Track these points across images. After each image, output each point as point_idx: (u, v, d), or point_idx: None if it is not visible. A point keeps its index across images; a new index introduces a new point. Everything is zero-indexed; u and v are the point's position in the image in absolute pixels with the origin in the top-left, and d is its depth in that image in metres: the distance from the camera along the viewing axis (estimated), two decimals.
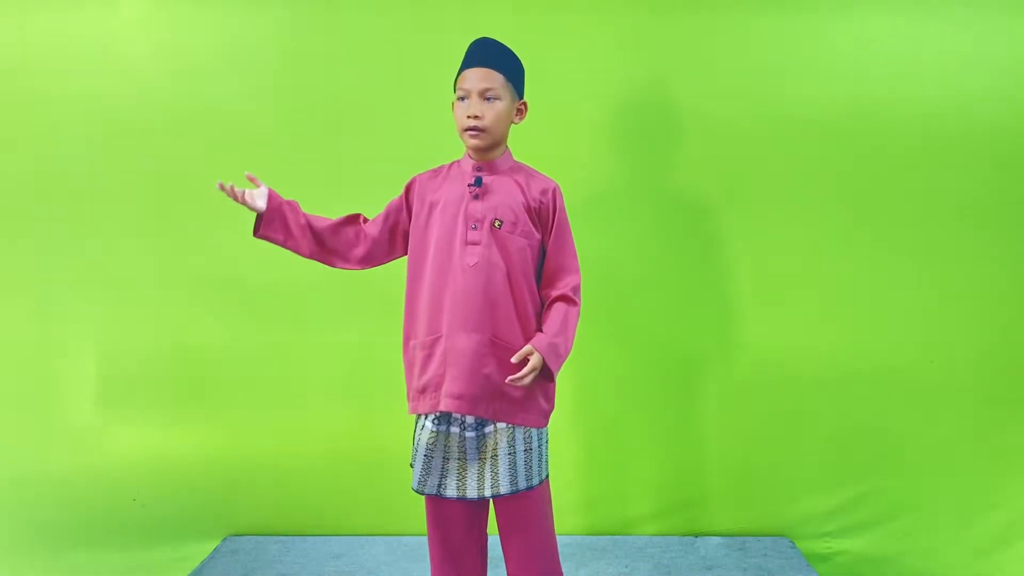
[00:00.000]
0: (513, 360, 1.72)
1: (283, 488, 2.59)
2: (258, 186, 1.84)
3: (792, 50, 2.51)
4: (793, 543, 2.55)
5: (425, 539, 1.85)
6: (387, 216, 1.92)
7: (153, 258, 2.54)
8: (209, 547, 2.52)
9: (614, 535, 2.59)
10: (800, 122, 2.50)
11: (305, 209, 1.90)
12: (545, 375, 1.77)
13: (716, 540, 2.57)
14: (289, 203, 1.87)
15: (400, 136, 2.51)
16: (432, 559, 1.90)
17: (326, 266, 1.92)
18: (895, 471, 2.58)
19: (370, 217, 1.95)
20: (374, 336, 2.54)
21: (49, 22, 2.49)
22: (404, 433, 2.53)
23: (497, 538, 1.89)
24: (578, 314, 1.82)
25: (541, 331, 1.79)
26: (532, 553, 1.85)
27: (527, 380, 1.72)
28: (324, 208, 2.50)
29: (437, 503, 1.83)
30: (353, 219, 1.93)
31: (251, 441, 2.58)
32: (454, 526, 1.86)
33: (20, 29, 2.49)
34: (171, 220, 2.54)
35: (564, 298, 1.81)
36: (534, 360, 1.72)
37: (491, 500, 1.84)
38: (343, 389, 2.58)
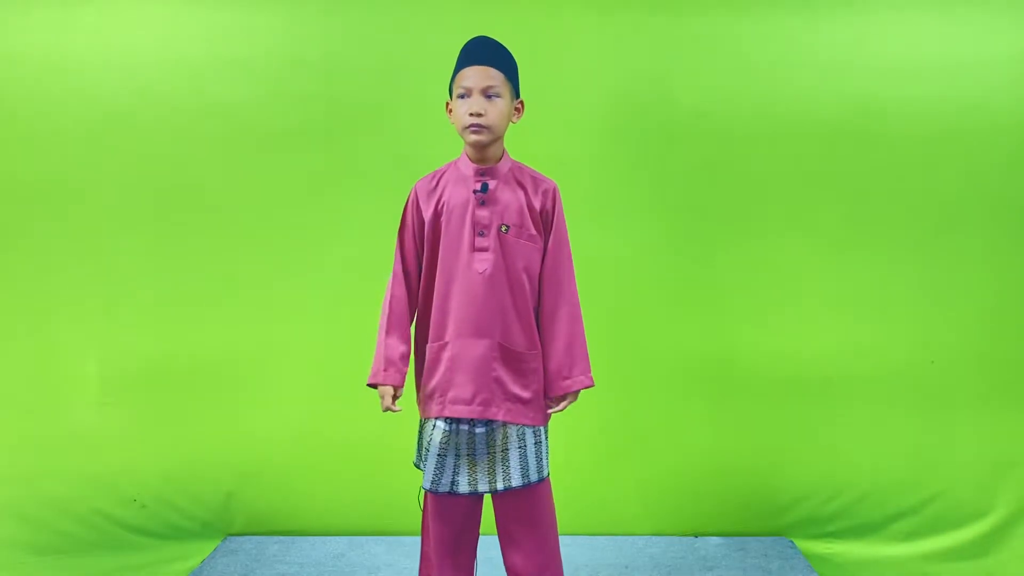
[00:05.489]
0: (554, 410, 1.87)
1: (283, 488, 2.60)
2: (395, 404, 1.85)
3: (791, 49, 2.51)
4: (793, 543, 2.55)
5: None
6: (412, 256, 1.88)
7: (153, 258, 2.55)
8: (209, 547, 2.52)
9: (614, 535, 2.58)
10: (800, 122, 2.51)
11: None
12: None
13: (716, 540, 2.57)
14: (401, 367, 1.86)
15: (401, 135, 2.51)
16: (429, 556, 1.91)
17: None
18: (895, 471, 2.58)
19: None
20: (375, 337, 2.54)
21: (50, 19, 2.49)
22: (405, 433, 2.54)
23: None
24: (581, 316, 1.88)
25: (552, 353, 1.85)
26: (540, 547, 1.87)
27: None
28: (323, 206, 2.52)
29: (442, 500, 1.84)
30: (411, 293, 1.89)
31: (251, 441, 2.58)
32: (456, 523, 1.87)
33: (21, 26, 2.50)
34: (171, 220, 2.54)
35: (567, 303, 1.85)
36: (571, 398, 1.87)
37: (487, 497, 1.86)
38: (343, 390, 2.57)
